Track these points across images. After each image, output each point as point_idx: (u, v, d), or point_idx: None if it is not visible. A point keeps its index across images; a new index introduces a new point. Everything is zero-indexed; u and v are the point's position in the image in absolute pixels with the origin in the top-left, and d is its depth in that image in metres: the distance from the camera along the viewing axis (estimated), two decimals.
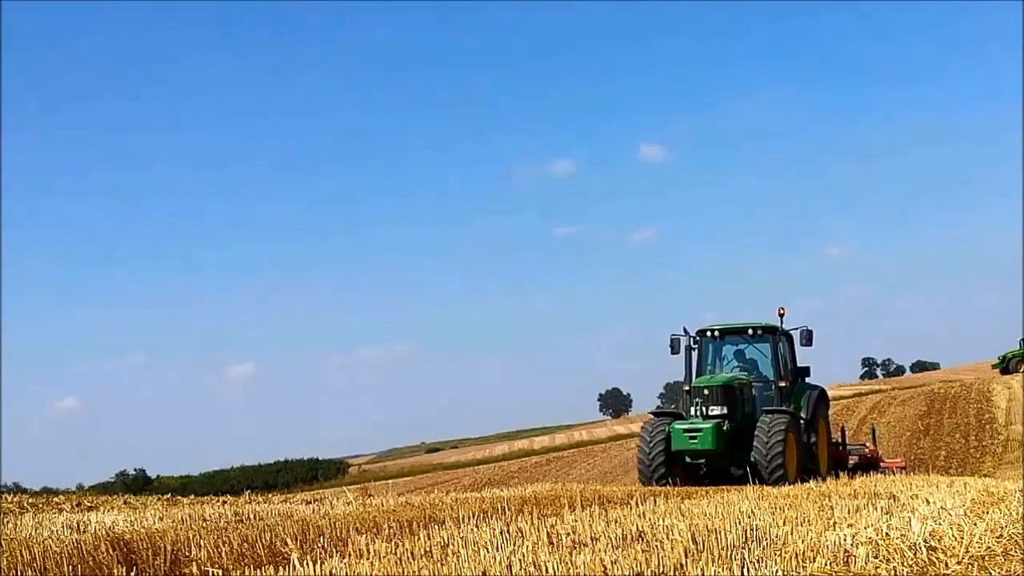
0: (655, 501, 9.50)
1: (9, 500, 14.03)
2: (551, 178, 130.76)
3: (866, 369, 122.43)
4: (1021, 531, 5.82)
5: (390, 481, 53.52)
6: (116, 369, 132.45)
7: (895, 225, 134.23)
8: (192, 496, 16.78)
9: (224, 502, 12.68)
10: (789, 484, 15.46)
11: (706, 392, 18.09)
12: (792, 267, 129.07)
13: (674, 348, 19.10)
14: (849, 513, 7.47)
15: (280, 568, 5.61)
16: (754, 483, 15.93)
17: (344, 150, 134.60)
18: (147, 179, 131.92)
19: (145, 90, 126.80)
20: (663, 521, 7.04)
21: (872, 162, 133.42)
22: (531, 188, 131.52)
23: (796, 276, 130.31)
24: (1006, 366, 57.26)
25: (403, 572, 5.24)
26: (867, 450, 22.72)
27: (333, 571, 5.32)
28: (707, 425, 17.61)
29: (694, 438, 17.65)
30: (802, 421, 18.75)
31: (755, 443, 17.41)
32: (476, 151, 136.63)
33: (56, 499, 14.74)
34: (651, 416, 19.36)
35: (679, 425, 18.00)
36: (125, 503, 13.60)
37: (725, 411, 17.92)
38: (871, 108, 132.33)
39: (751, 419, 18.07)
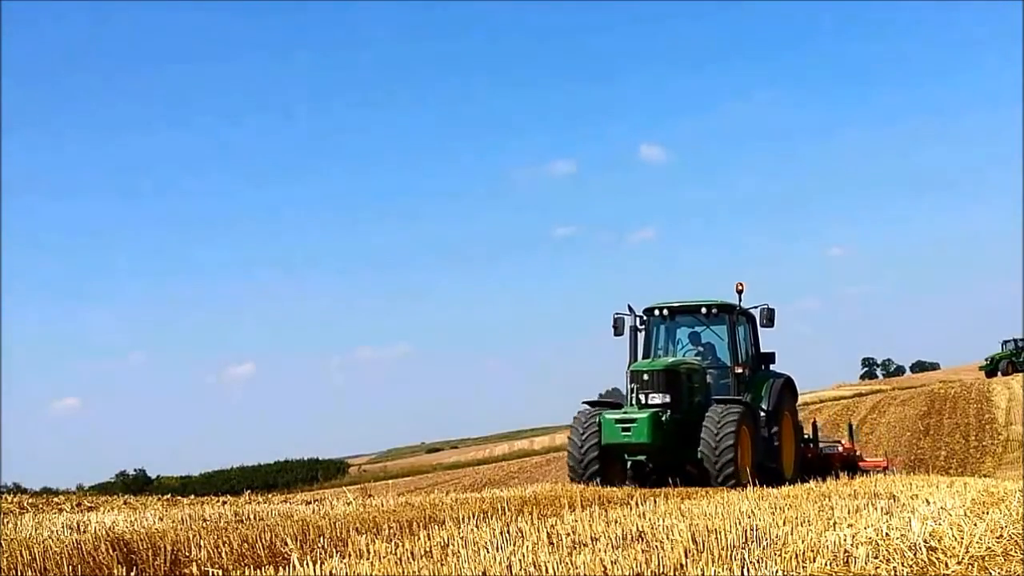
0: (655, 501, 9.50)
1: (9, 500, 14.02)
2: (551, 178, 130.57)
3: (866, 369, 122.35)
4: (1021, 531, 5.82)
5: (390, 481, 53.55)
6: (116, 369, 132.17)
7: (895, 225, 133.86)
8: (192, 496, 16.77)
9: (224, 502, 12.67)
10: (741, 486, 13.66)
11: (645, 377, 15.59)
12: (792, 267, 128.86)
13: (617, 328, 16.72)
14: (849, 513, 7.47)
15: (280, 568, 5.61)
16: (701, 484, 14.46)
17: (344, 149, 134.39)
18: (147, 178, 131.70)
19: (146, 88, 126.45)
20: (663, 521, 7.04)
21: (872, 162, 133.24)
22: (531, 188, 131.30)
23: (796, 276, 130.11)
24: (994, 367, 57.38)
25: (403, 572, 5.24)
26: (841, 448, 20.50)
27: (333, 571, 5.32)
28: (643, 415, 15.10)
29: (627, 430, 15.13)
30: (762, 413, 16.46)
31: (703, 437, 15.06)
32: (476, 151, 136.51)
33: (56, 499, 14.73)
34: (585, 405, 16.40)
35: (610, 415, 15.41)
36: (125, 503, 13.59)
37: (668, 399, 15.44)
38: (871, 108, 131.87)
39: (702, 410, 15.56)
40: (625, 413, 15.42)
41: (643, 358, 16.65)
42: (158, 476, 74.98)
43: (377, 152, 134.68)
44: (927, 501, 8.36)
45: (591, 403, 16.35)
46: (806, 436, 19.20)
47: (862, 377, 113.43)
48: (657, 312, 17.00)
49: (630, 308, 16.88)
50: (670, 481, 14.82)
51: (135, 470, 78.29)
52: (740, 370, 16.63)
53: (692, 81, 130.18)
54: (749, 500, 9.26)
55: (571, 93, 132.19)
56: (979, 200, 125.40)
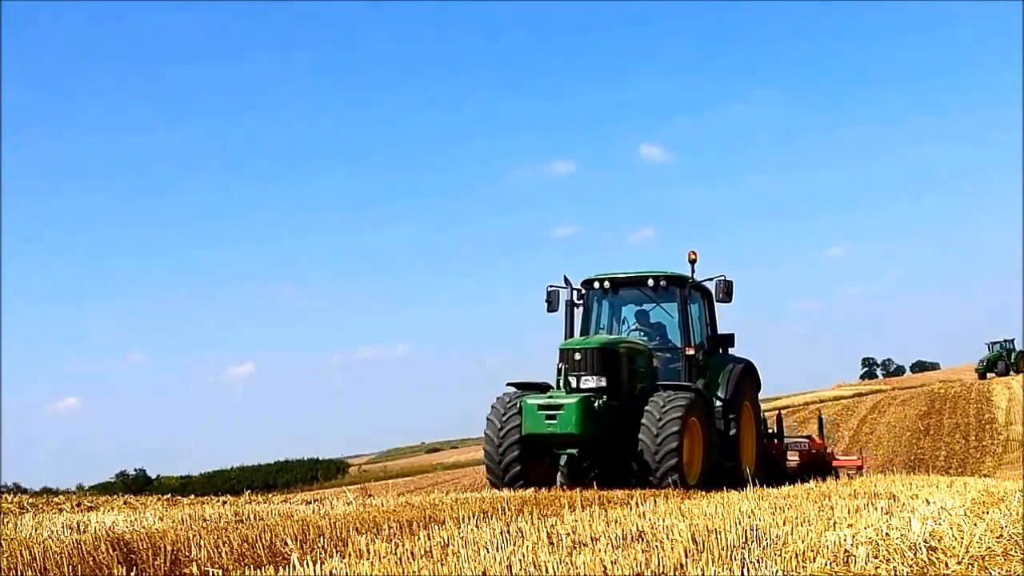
0: (655, 501, 9.51)
1: (9, 500, 14.01)
2: (551, 178, 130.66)
3: (866, 369, 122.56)
4: (1021, 531, 5.82)
5: (390, 481, 53.52)
6: (116, 369, 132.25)
7: (895, 225, 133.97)
8: (192, 496, 16.76)
9: (224, 502, 12.66)
10: (688, 488, 12.21)
11: (577, 356, 13.13)
12: (792, 267, 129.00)
13: (551, 304, 14.35)
14: (849, 513, 7.47)
15: (280, 568, 5.60)
16: (641, 485, 12.50)
17: (344, 150, 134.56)
18: (147, 178, 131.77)
19: (146, 88, 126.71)
20: (663, 521, 7.04)
21: (872, 162, 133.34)
22: (531, 188, 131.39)
23: (796, 276, 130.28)
24: (987, 369, 57.51)
25: (403, 572, 5.24)
26: (810, 444, 18.50)
27: (333, 571, 5.32)
28: (571, 400, 12.57)
29: (553, 418, 12.56)
30: (718, 403, 14.28)
31: (643, 426, 12.81)
32: (476, 151, 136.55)
33: (56, 499, 14.73)
34: (510, 388, 13.77)
35: (533, 400, 12.83)
36: (125, 503, 13.58)
37: (603, 383, 13.04)
38: (871, 108, 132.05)
39: (646, 397, 13.29)
40: (550, 398, 12.87)
41: (580, 336, 14.39)
42: (158, 476, 75.13)
43: (377, 152, 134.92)
44: (927, 501, 8.36)
45: (517, 385, 13.76)
46: (770, 431, 17.36)
47: (862, 377, 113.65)
48: (597, 285, 14.60)
49: (566, 280, 14.53)
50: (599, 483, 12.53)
51: (135, 470, 78.41)
52: (692, 352, 14.30)
53: (692, 81, 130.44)
54: (749, 500, 9.26)
55: (571, 93, 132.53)
56: (979, 200, 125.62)
